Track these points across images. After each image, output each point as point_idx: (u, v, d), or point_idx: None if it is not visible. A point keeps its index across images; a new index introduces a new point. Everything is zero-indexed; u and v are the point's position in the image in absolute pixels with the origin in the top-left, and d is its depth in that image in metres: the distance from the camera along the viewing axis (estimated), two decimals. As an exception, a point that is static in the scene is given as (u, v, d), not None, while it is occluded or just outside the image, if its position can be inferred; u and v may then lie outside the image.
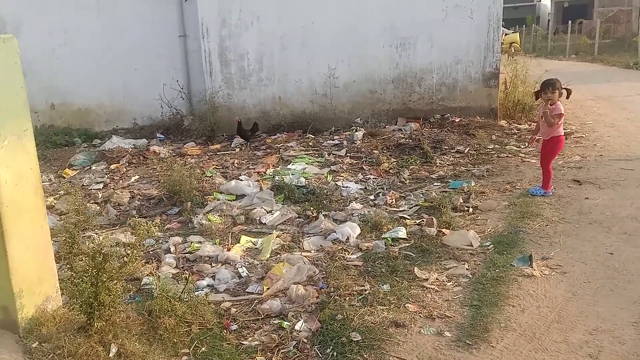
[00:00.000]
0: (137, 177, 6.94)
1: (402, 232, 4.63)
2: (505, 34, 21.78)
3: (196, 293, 3.52)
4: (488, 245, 4.32)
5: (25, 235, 2.87)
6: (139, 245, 4.08)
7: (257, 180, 6.37)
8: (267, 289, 3.73)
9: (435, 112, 9.35)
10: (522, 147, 7.56)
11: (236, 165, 7.38)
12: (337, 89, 9.34)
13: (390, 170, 6.75)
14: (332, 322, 3.23)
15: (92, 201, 5.90)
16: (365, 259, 4.18)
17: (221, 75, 9.44)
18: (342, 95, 9.41)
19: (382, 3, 9.08)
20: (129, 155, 7.88)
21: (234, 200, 5.81)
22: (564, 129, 5.72)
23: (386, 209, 5.40)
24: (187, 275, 3.82)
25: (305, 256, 4.29)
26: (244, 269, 4.11)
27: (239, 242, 4.65)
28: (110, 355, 2.69)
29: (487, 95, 9.27)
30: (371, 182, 6.37)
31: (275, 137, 8.87)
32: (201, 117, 9.14)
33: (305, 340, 3.11)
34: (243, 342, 3.12)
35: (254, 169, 7.05)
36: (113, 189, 6.39)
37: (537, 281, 3.70)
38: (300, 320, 3.32)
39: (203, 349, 3.01)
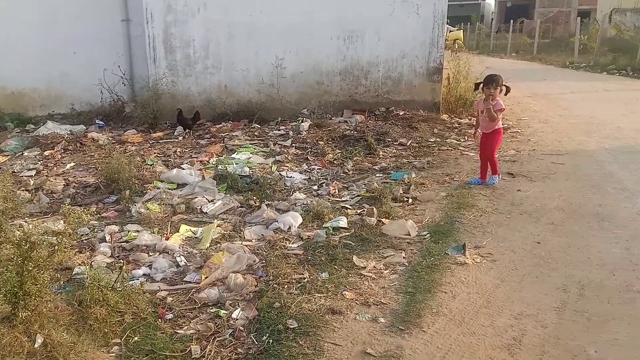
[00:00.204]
0: (72, 164, 6.68)
1: (343, 222, 4.70)
2: (450, 31, 22.34)
3: (131, 282, 3.45)
4: (425, 235, 4.45)
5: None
6: (71, 233, 3.96)
7: (200, 169, 6.28)
8: (205, 277, 3.70)
9: (380, 105, 9.50)
10: (462, 140, 7.80)
11: (179, 153, 7.24)
12: (285, 79, 9.30)
13: (335, 161, 6.81)
14: (269, 310, 3.25)
15: (23, 188, 5.63)
16: (305, 247, 4.22)
17: (165, 61, 9.20)
18: (289, 85, 9.39)
19: (330, -5, 9.11)
20: (65, 142, 7.55)
21: (174, 189, 5.70)
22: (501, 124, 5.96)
23: (329, 199, 5.45)
24: (121, 265, 3.72)
25: (246, 245, 4.28)
26: (183, 258, 4.05)
27: (178, 231, 4.58)
28: (36, 346, 2.59)
29: (431, 90, 9.50)
30: (315, 172, 6.41)
31: (220, 126, 8.76)
32: (143, 104, 8.88)
33: (241, 328, 3.11)
34: (178, 331, 3.08)
35: (197, 157, 6.94)
36: (46, 176, 6.13)
37: (469, 269, 3.85)
38: (237, 308, 3.32)
39: (135, 338, 2.96)
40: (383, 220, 4.76)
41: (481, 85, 5.61)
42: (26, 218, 4.69)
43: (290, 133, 8.17)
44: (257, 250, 4.22)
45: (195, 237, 4.50)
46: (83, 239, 4.37)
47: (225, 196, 5.44)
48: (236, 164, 6.48)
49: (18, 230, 2.90)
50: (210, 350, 2.90)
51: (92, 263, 3.85)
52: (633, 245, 4.20)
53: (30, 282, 2.64)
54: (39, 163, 6.72)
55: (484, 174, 5.81)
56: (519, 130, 8.50)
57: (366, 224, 4.68)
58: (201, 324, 3.16)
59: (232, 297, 3.48)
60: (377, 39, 9.29)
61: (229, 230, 4.65)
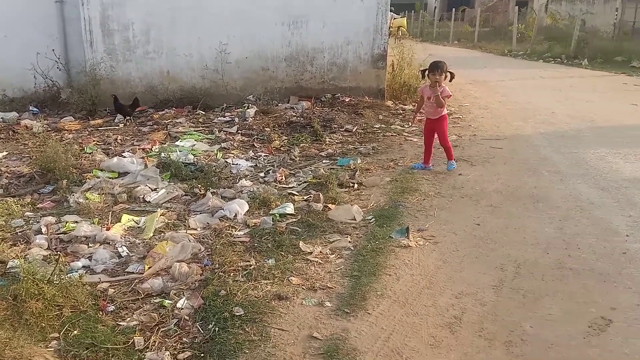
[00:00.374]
0: (5, 153, 6.35)
1: (289, 208, 4.70)
2: (394, 18, 22.58)
3: (69, 275, 3.33)
4: (370, 219, 4.52)
5: None
6: (2, 225, 3.78)
7: (142, 157, 6.10)
8: (149, 267, 3.62)
9: (326, 91, 9.51)
10: (406, 126, 7.95)
11: (119, 141, 7.01)
12: (229, 65, 9.14)
13: (281, 148, 6.79)
14: (215, 298, 3.22)
15: (-51, 179, 5.31)
16: (252, 235, 4.20)
17: (103, 45, 8.86)
18: (234, 71, 9.24)
19: (274, -20, 9.00)
20: (-4, 130, 7.18)
21: (115, 178, 5.53)
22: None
23: (276, 185, 5.44)
24: (57, 257, 3.58)
25: (191, 234, 4.22)
26: (124, 248, 3.95)
27: (120, 221, 4.44)
28: (-34, 344, 2.47)
29: (376, 77, 9.59)
30: (262, 159, 6.37)
31: (163, 112, 8.55)
32: (81, 90, 8.53)
33: (186, 318, 3.07)
34: (120, 323, 3.01)
35: (138, 145, 6.75)
36: (-24, 166, 5.80)
37: (413, 251, 3.95)
38: (182, 298, 3.27)
39: (75, 332, 2.86)
40: (329, 205, 4.80)
41: (427, 72, 5.71)
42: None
43: (236, 120, 8.06)
44: (203, 238, 4.16)
45: (138, 227, 4.39)
46: (17, 231, 4.17)
47: (169, 184, 5.32)
48: (180, 151, 6.35)
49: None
50: (155, 341, 2.85)
51: (27, 256, 3.68)
52: (565, 225, 4.42)
53: (-42, 278, 2.50)
54: (-33, 152, 6.35)
55: (428, 159, 5.95)
56: (461, 116, 8.75)
57: (313, 209, 4.70)
58: (145, 314, 3.09)
59: (176, 286, 3.42)
60: (322, 25, 9.27)
61: (173, 219, 4.56)
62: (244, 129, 7.56)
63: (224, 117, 8.31)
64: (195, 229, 4.35)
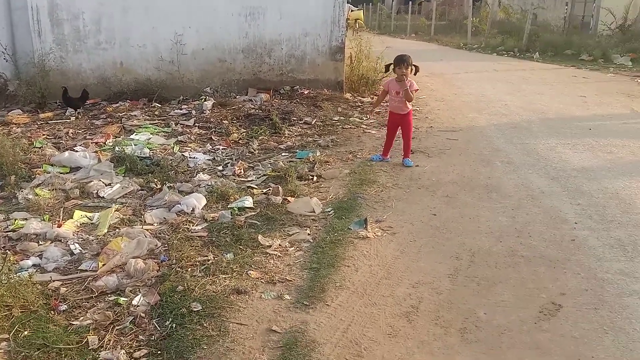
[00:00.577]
0: (-53, 148, 6.03)
1: (248, 202, 4.66)
2: (351, 11, 22.67)
3: (18, 274, 3.21)
4: (329, 211, 4.54)
5: None
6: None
7: (95, 152, 5.93)
8: (103, 265, 3.53)
9: (285, 83, 9.46)
10: (365, 118, 8.00)
11: (71, 135, 6.78)
12: (185, 56, 8.98)
13: (240, 141, 6.73)
14: (172, 294, 3.17)
15: None
16: (210, 229, 4.15)
17: (52, 35, 8.54)
18: (190, 63, 9.08)
19: (230, -31, 8.87)
20: (-63, 124, 6.82)
21: (67, 173, 5.35)
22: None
23: (234, 179, 5.39)
24: (4, 255, 3.44)
25: (147, 229, 4.13)
26: (77, 245, 3.83)
27: (72, 218, 4.31)
28: None
29: (334, 69, 9.60)
30: (220, 152, 6.29)
31: (117, 105, 8.32)
32: (29, 82, 8.19)
33: (143, 315, 3.01)
34: (73, 323, 2.92)
35: (91, 139, 6.55)
36: None
37: (371, 242, 3.99)
38: (138, 295, 3.20)
39: (25, 332, 2.77)
40: (289, 198, 4.79)
41: (392, 66, 5.73)
42: None
43: (193, 112, 7.92)
44: (159, 234, 4.08)
45: (92, 223, 4.27)
46: (-39, 230, 4.00)
47: (123, 179, 5.19)
48: (135, 145, 6.19)
49: None
50: (109, 340, 2.78)
51: (-28, 256, 3.53)
52: (517, 214, 4.56)
53: None
54: None
55: (387, 152, 6.01)
56: (418, 108, 8.86)
57: (272, 203, 4.68)
58: (99, 313, 3.01)
59: (132, 283, 3.35)
60: (279, 17, 9.20)
61: (129, 214, 4.45)
62: (201, 122, 7.44)
63: (181, 109, 8.16)
64: (152, 225, 4.27)
